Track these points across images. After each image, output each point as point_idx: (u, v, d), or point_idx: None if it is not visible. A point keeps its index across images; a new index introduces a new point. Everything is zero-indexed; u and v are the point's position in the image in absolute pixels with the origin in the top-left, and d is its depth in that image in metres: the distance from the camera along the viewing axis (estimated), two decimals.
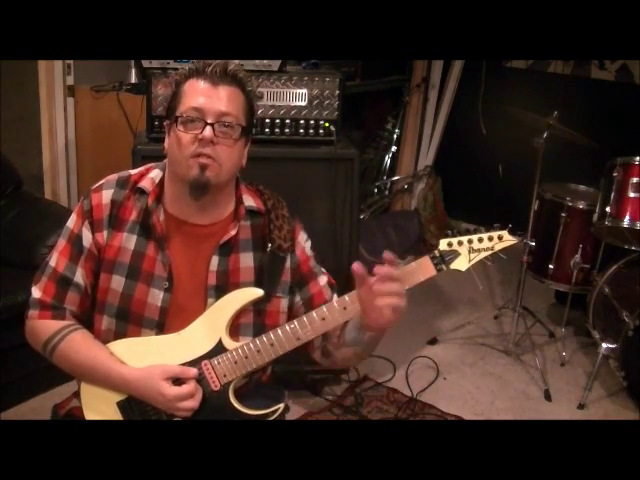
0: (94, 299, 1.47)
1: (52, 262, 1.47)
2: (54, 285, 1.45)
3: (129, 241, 1.44)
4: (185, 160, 1.37)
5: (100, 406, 1.42)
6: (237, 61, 1.42)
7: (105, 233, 1.44)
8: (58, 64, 3.19)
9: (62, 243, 1.47)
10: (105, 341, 1.45)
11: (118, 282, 1.44)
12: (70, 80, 3.28)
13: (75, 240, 1.46)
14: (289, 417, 1.63)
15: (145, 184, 1.46)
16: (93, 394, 1.43)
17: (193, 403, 1.38)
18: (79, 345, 1.43)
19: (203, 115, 1.37)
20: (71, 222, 1.48)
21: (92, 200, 1.46)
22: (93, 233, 1.45)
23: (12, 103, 3.14)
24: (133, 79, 3.13)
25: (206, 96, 1.38)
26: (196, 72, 1.40)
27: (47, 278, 1.46)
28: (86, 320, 1.49)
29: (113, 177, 1.50)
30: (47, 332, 1.44)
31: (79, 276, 1.45)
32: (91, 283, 1.46)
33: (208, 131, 1.35)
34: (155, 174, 1.49)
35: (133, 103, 2.91)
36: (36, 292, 1.46)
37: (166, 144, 1.45)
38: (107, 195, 1.46)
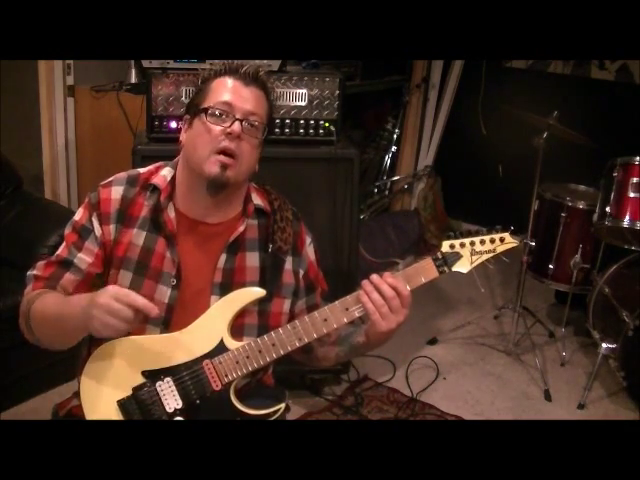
0: None
1: (58, 251, 1.48)
2: (54, 266, 1.46)
3: (138, 237, 1.44)
4: (207, 154, 1.38)
5: (100, 405, 1.42)
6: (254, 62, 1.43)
7: (112, 227, 1.44)
8: (58, 64, 3.19)
9: (67, 233, 1.48)
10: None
11: (125, 277, 1.43)
12: (70, 80, 3.27)
13: (80, 229, 1.46)
14: (289, 417, 1.63)
15: (158, 181, 1.47)
16: (93, 393, 1.43)
17: (120, 320, 1.24)
18: (52, 296, 1.41)
19: (232, 110, 1.39)
20: (77, 215, 1.48)
21: (100, 194, 1.46)
22: (101, 225, 1.45)
23: (12, 103, 3.14)
24: (133, 79, 3.13)
25: (236, 94, 1.40)
26: (228, 71, 1.42)
27: (47, 261, 1.47)
28: None
29: (122, 175, 1.50)
30: (31, 295, 1.43)
31: (80, 259, 1.44)
32: (96, 272, 1.45)
33: (237, 126, 1.37)
34: (166, 172, 1.49)
35: (133, 103, 2.91)
36: (33, 271, 1.48)
37: (183, 138, 1.45)
38: (117, 191, 1.46)
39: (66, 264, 1.45)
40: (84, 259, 1.44)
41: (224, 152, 1.37)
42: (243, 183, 1.47)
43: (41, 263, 1.48)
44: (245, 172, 1.42)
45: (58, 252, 1.47)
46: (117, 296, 1.25)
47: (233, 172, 1.38)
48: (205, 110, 1.40)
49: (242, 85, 1.41)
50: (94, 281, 1.46)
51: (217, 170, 1.37)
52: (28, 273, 1.48)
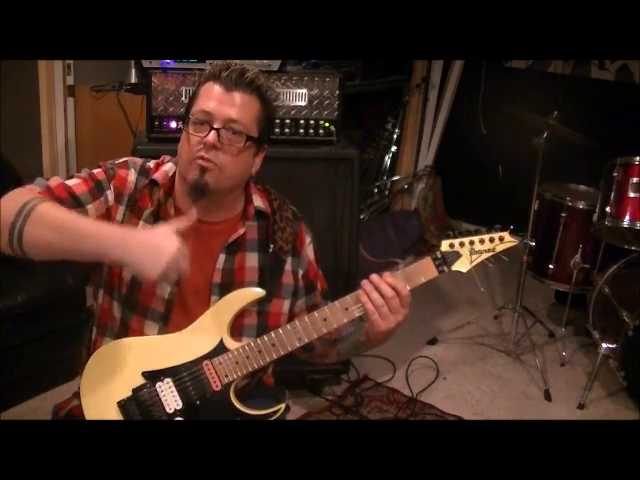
0: (106, 282, 1.45)
1: (70, 182, 1.40)
2: (66, 193, 1.37)
3: None
4: (188, 161, 1.37)
5: (100, 406, 1.42)
6: (245, 63, 1.40)
7: (121, 209, 1.43)
8: (58, 64, 3.20)
9: (83, 176, 1.42)
10: (108, 326, 1.45)
11: (129, 270, 1.41)
12: (70, 80, 3.28)
13: (97, 182, 1.42)
14: (289, 417, 1.63)
15: (158, 176, 1.46)
16: (93, 394, 1.43)
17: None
18: (66, 209, 1.31)
19: (211, 119, 1.36)
20: (95, 170, 1.45)
21: (117, 170, 1.44)
22: (114, 198, 1.42)
23: (12, 103, 3.13)
24: (133, 79, 3.13)
25: (217, 101, 1.36)
26: (212, 76, 1.39)
27: (61, 183, 1.39)
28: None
29: (138, 161, 1.49)
30: (35, 195, 1.30)
31: (89, 209, 1.39)
32: None
33: (212, 136, 1.35)
34: (169, 167, 1.49)
35: (133, 103, 2.92)
36: (46, 181, 1.38)
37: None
38: (132, 175, 1.45)
39: (77, 203, 1.37)
40: (92, 210, 1.39)
41: (202, 159, 1.36)
42: (231, 190, 1.44)
43: (56, 179, 1.40)
44: (227, 180, 1.39)
45: (72, 184, 1.39)
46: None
47: (213, 177, 1.36)
48: (186, 119, 1.39)
49: (224, 91, 1.37)
50: None
51: (196, 174, 1.36)
52: (39, 178, 1.39)
